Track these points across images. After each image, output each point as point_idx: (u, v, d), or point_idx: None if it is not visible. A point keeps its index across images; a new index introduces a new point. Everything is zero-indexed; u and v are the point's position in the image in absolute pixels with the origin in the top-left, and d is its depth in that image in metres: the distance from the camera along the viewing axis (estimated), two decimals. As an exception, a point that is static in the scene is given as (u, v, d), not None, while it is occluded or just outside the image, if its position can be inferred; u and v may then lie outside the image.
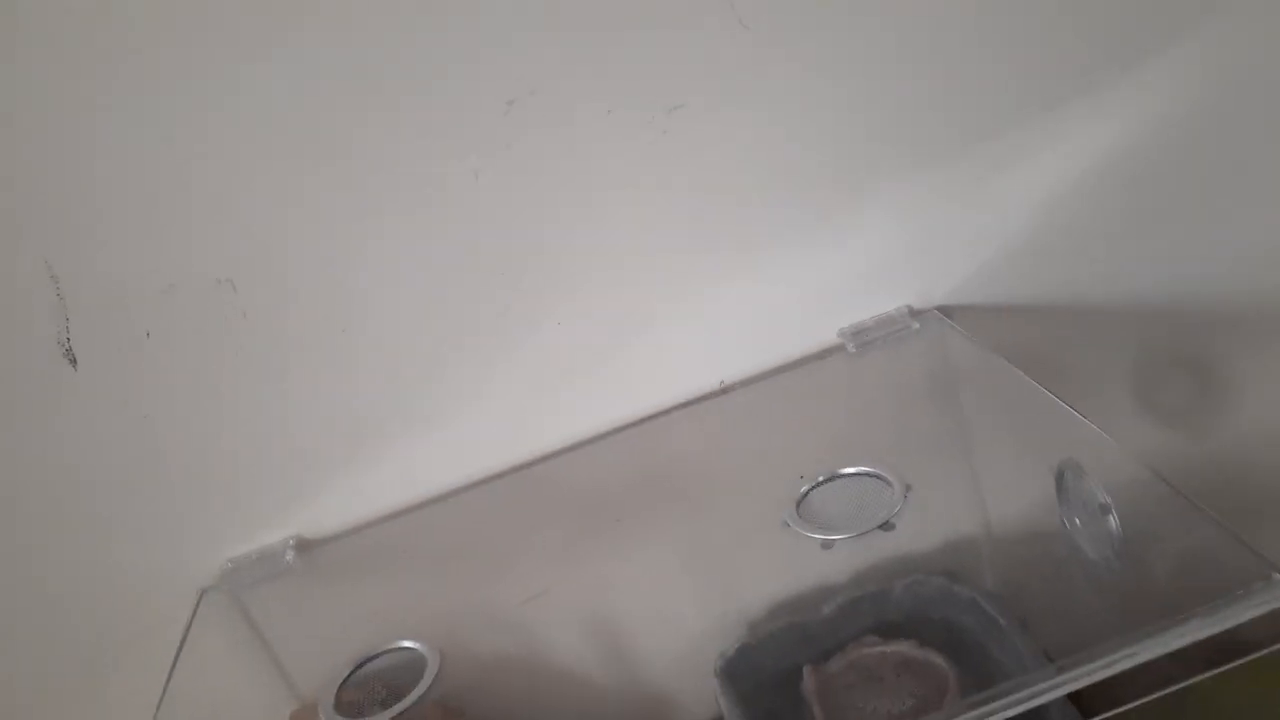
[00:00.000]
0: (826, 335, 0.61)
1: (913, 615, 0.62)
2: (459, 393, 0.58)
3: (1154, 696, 0.41)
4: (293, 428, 0.56)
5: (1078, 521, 0.49)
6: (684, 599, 0.64)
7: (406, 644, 0.54)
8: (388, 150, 0.51)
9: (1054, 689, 0.38)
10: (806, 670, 0.60)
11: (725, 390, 0.61)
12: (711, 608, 0.63)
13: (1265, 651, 0.40)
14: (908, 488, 0.52)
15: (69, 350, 0.52)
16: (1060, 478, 0.49)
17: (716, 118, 0.54)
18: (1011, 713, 0.39)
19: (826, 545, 0.51)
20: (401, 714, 0.51)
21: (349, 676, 0.53)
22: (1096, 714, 0.51)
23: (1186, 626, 0.37)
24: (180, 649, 0.53)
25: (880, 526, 0.50)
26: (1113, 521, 0.46)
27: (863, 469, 0.55)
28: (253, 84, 0.49)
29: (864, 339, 0.60)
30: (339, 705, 0.52)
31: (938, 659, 0.58)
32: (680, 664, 0.65)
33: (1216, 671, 0.41)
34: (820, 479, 0.55)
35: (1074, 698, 0.50)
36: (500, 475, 0.60)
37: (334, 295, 0.54)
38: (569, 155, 0.53)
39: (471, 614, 0.60)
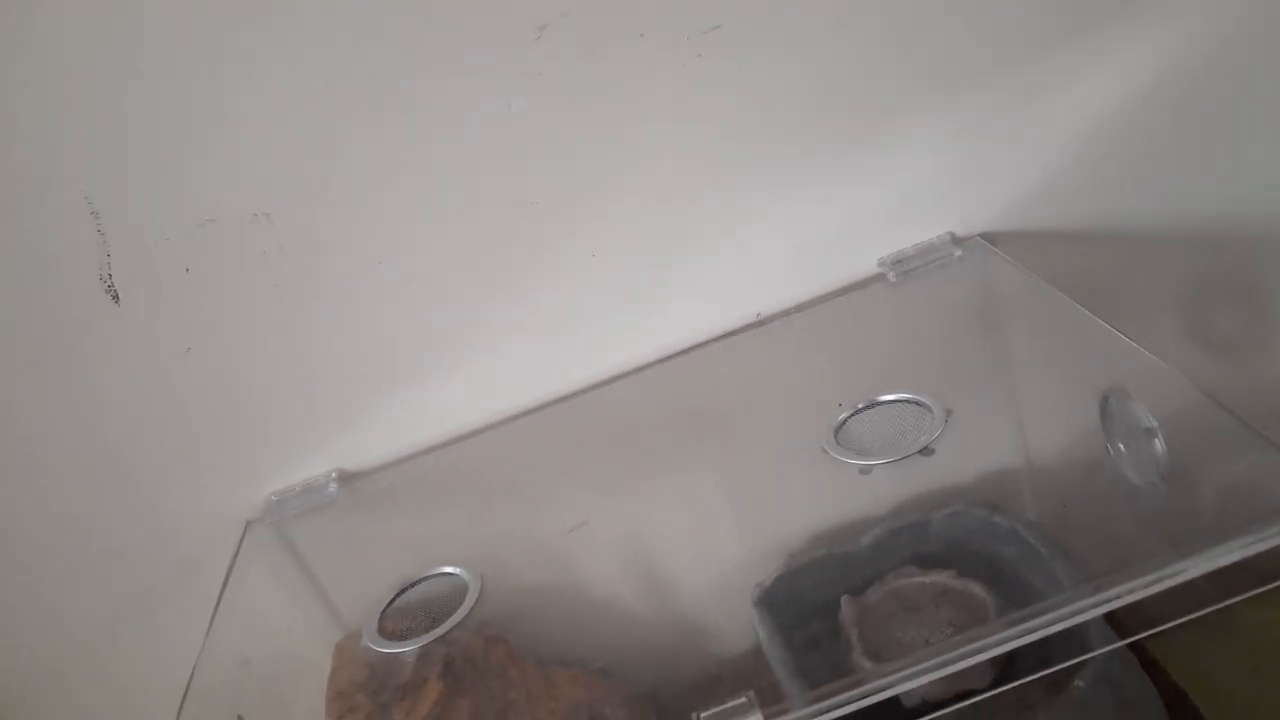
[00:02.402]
0: (867, 264, 0.62)
1: (952, 546, 0.63)
2: (496, 326, 0.60)
3: (1189, 617, 0.42)
4: (332, 361, 0.59)
5: (1122, 447, 0.50)
6: (722, 529, 0.66)
7: (448, 570, 0.57)
8: (418, 82, 0.53)
9: (1091, 609, 0.39)
10: (844, 600, 0.62)
11: (763, 322, 0.62)
12: (749, 538, 0.65)
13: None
14: (949, 413, 0.53)
15: (111, 286, 0.55)
16: (1105, 403, 0.50)
17: (753, 40, 0.54)
18: (1047, 632, 0.40)
19: (865, 471, 0.53)
20: (443, 637, 0.54)
21: (391, 603, 0.56)
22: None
23: (1226, 546, 0.38)
24: (226, 582, 0.56)
25: (920, 451, 0.51)
26: (1159, 445, 0.46)
27: (902, 395, 0.56)
28: (285, 19, 0.50)
29: (905, 268, 0.61)
30: (382, 630, 0.55)
31: (977, 589, 0.60)
32: (718, 594, 0.67)
33: (1253, 593, 0.42)
34: (859, 406, 0.57)
35: (1115, 624, 0.52)
36: (538, 409, 0.63)
37: (369, 229, 0.56)
38: (602, 81, 0.54)
39: (512, 544, 0.63)
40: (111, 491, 0.60)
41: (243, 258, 0.55)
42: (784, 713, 0.36)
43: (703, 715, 0.36)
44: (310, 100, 0.52)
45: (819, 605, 0.63)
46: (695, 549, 0.67)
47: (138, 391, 0.57)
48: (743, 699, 0.36)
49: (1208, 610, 0.41)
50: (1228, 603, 0.41)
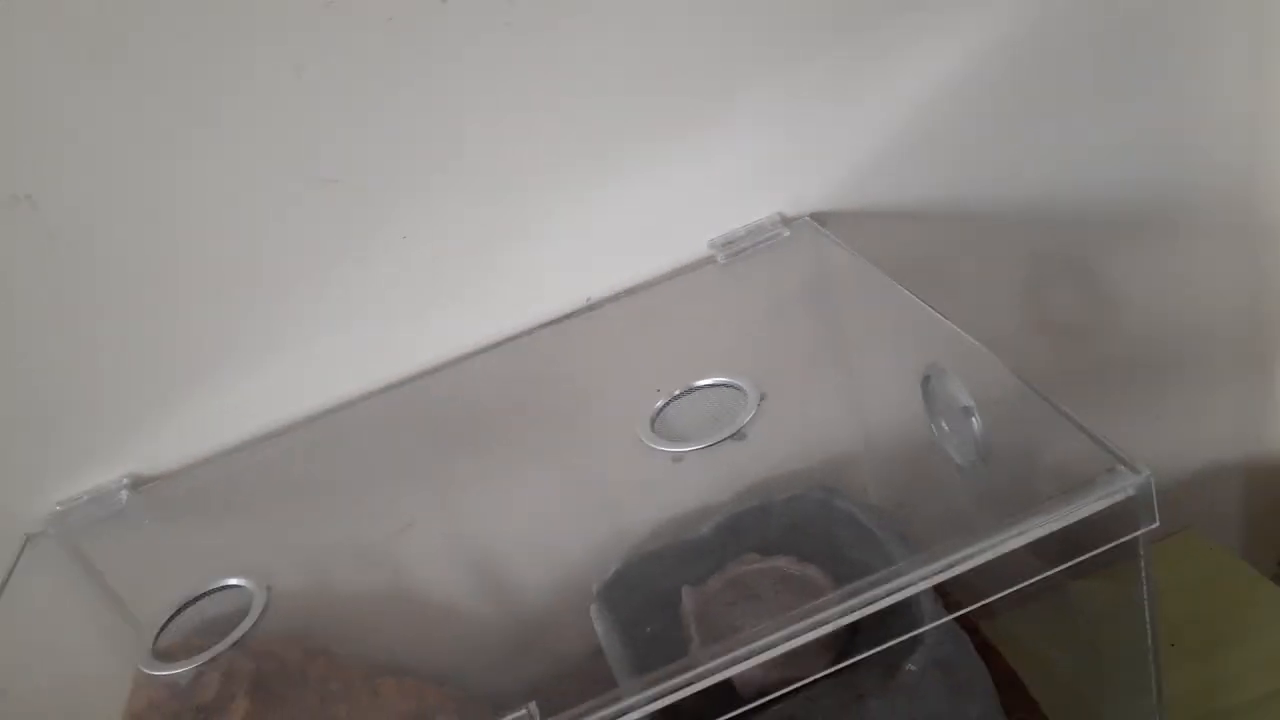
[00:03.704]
0: (697, 247, 0.62)
1: (792, 531, 0.64)
2: (305, 315, 0.57)
3: (1008, 591, 0.43)
4: (120, 357, 0.55)
5: (945, 426, 0.51)
6: (556, 524, 0.65)
7: (232, 582, 0.54)
8: (198, 49, 0.50)
9: (917, 581, 0.40)
10: (684, 590, 0.62)
11: (593, 307, 0.62)
12: (585, 532, 0.65)
13: (1105, 547, 0.42)
14: (762, 396, 0.53)
15: None
16: (926, 383, 0.51)
17: (568, 9, 0.53)
18: (875, 607, 0.40)
19: (676, 459, 0.52)
20: (251, 651, 0.51)
21: (170, 620, 0.53)
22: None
23: (1032, 521, 0.39)
24: (4, 597, 0.52)
25: (730, 437, 0.51)
26: (975, 424, 0.48)
27: (718, 380, 0.56)
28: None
29: (734, 249, 0.61)
30: (160, 651, 0.52)
31: (815, 573, 0.61)
32: (558, 591, 0.66)
33: (1064, 566, 0.43)
34: (676, 393, 0.57)
35: (946, 606, 0.53)
36: (355, 402, 0.60)
37: (152, 211, 0.53)
38: (405, 51, 0.52)
39: (330, 549, 0.60)
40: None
41: (6, 245, 0.51)
42: (582, 715, 0.35)
43: None
44: (74, 71, 0.49)
45: (661, 598, 0.63)
46: (530, 545, 0.65)
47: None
48: (522, 711, 0.35)
49: (1021, 586, 0.42)
50: (1036, 579, 0.42)
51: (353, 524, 0.61)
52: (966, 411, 0.47)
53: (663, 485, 0.60)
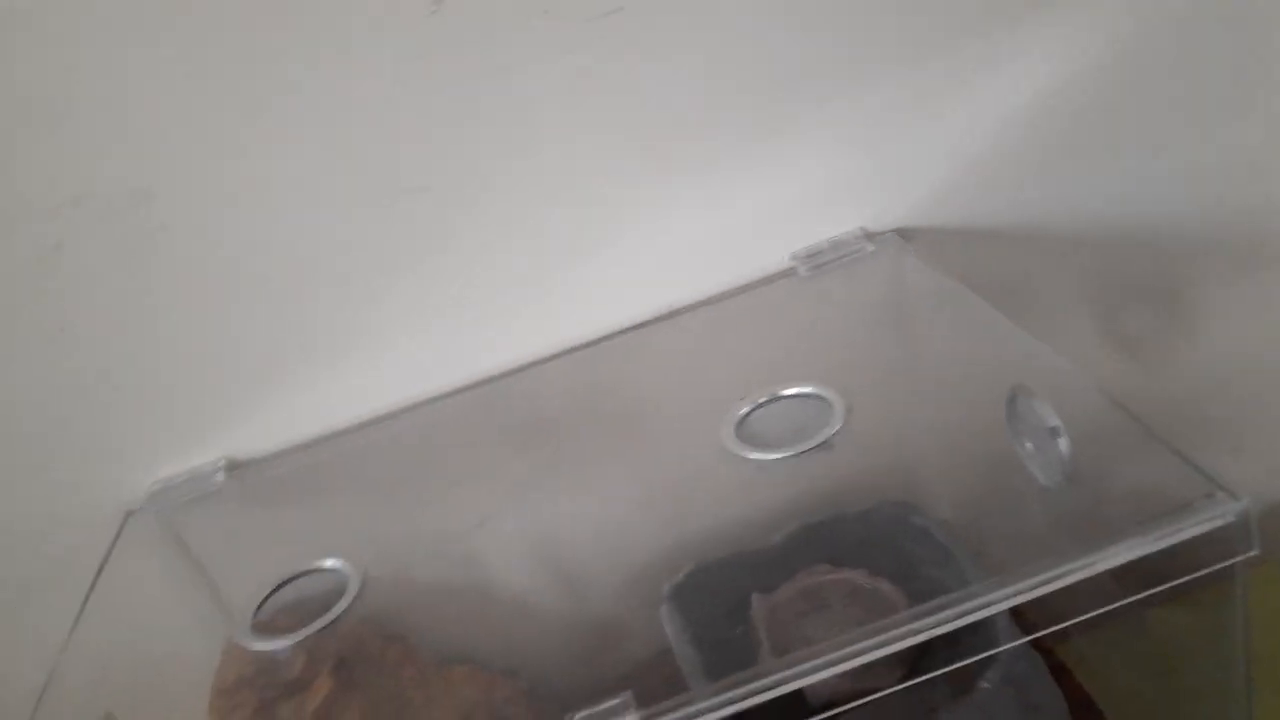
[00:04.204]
0: (779, 259, 0.62)
1: (865, 544, 0.64)
2: (396, 314, 0.59)
3: (1089, 615, 0.43)
4: (222, 346, 0.58)
5: (1029, 446, 0.51)
6: (631, 526, 0.66)
7: (328, 565, 0.56)
8: (301, 61, 0.52)
9: (995, 602, 0.40)
10: (754, 598, 0.62)
11: (674, 314, 0.63)
12: (659, 535, 0.65)
13: (1200, 574, 0.42)
14: (849, 409, 0.54)
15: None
16: (1011, 401, 0.51)
17: (656, 25, 0.54)
18: (951, 626, 0.41)
19: (760, 466, 0.53)
20: (336, 634, 0.53)
21: (266, 599, 0.55)
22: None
23: (1121, 545, 0.39)
24: (99, 573, 0.55)
25: (818, 447, 0.52)
26: (1063, 445, 0.48)
27: (804, 389, 0.56)
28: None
29: (816, 262, 0.62)
30: (259, 627, 0.54)
31: (887, 587, 0.61)
32: (629, 592, 0.67)
33: (1149, 592, 0.43)
34: (761, 401, 0.57)
35: (1023, 626, 0.54)
36: (439, 399, 0.62)
37: (261, 211, 0.55)
38: (498, 62, 0.54)
39: (411, 539, 0.62)
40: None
41: (121, 236, 0.53)
42: (664, 713, 0.36)
43: (577, 716, 0.35)
44: (186, 74, 0.51)
45: (730, 603, 0.64)
46: (604, 546, 0.66)
47: (7, 372, 0.55)
48: (618, 699, 0.36)
49: (1106, 609, 0.42)
50: (1125, 601, 0.41)
51: (432, 517, 0.63)
52: (1054, 432, 0.47)
53: (741, 491, 0.60)
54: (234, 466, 0.60)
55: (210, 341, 0.58)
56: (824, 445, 0.52)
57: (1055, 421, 0.47)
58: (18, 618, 0.61)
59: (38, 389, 0.56)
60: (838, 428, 0.53)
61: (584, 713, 0.35)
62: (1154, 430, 0.43)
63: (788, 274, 0.62)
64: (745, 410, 0.57)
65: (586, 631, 0.68)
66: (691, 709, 0.38)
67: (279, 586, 0.55)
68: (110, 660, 0.52)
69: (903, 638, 0.40)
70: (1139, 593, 0.42)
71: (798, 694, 0.47)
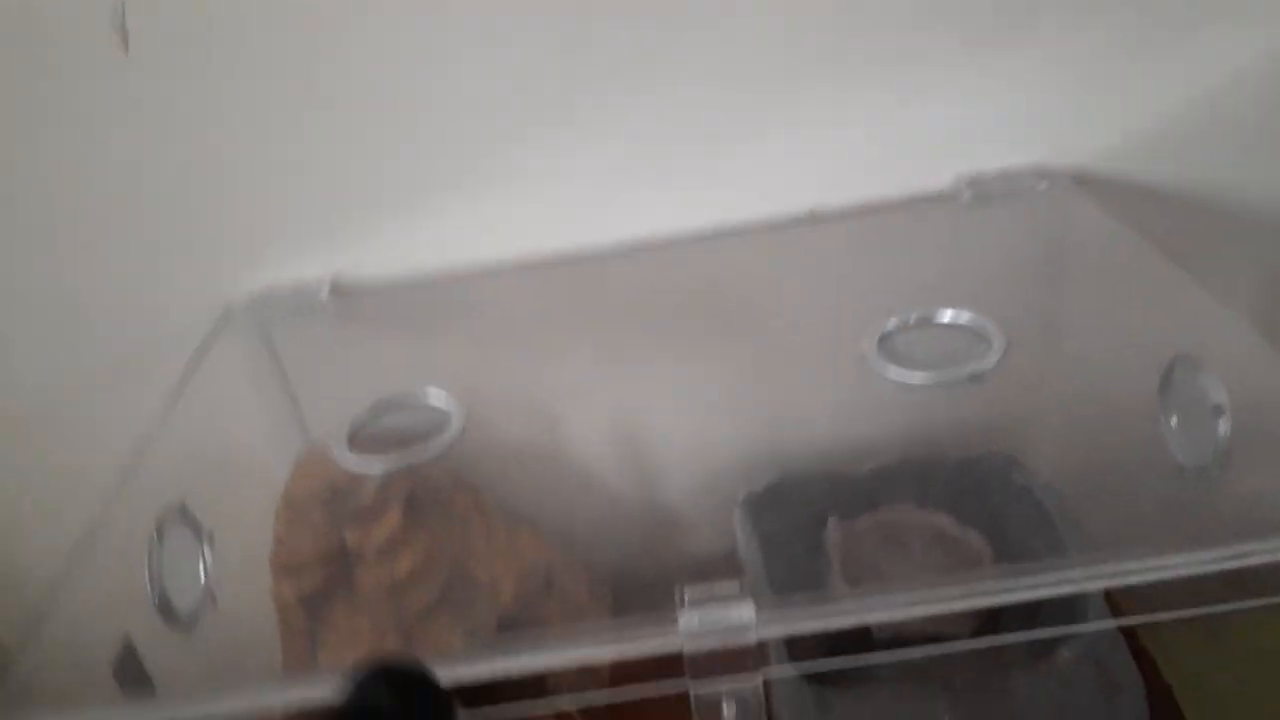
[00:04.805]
0: (941, 180, 0.59)
1: (959, 491, 0.62)
2: (528, 166, 0.58)
3: (1189, 613, 0.41)
4: (346, 161, 0.57)
5: (1174, 422, 0.48)
6: (725, 425, 0.65)
7: (432, 399, 0.56)
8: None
9: (1087, 581, 0.37)
10: (832, 521, 0.61)
11: (817, 219, 0.60)
12: (752, 439, 0.64)
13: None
14: (1008, 344, 0.51)
15: (123, 26, 0.52)
16: (1170, 370, 0.47)
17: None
18: (1038, 594, 0.39)
19: (902, 388, 0.51)
20: (410, 470, 0.54)
21: (366, 420, 0.55)
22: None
23: (1246, 547, 0.36)
24: (195, 366, 0.55)
25: (968, 379, 0.49)
26: (1223, 426, 0.44)
27: (962, 317, 0.53)
28: None
29: (983, 190, 0.58)
30: (352, 445, 0.54)
31: (975, 539, 0.60)
32: (705, 491, 0.67)
33: (1261, 602, 0.40)
34: (912, 319, 0.55)
35: (1112, 603, 0.51)
36: (556, 262, 0.61)
37: (411, 32, 0.53)
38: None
39: (502, 394, 0.62)
40: (90, 254, 0.59)
41: (272, 29, 0.52)
42: (771, 609, 0.35)
43: (688, 591, 0.35)
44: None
45: (805, 523, 0.63)
46: (692, 440, 0.66)
47: (135, 152, 0.55)
48: (734, 583, 0.35)
49: (1210, 610, 0.40)
50: (1232, 607, 0.39)
51: (530, 378, 0.63)
52: (1216, 410, 0.44)
53: (865, 409, 0.58)
54: (341, 288, 0.60)
55: (338, 152, 0.56)
56: (975, 378, 0.49)
57: (1221, 399, 0.44)
58: (107, 397, 0.62)
59: (161, 174, 0.56)
60: (994, 363, 0.50)
61: (696, 588, 0.35)
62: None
63: (950, 198, 0.59)
64: (892, 326, 0.54)
65: (657, 521, 0.68)
66: (752, 617, 0.36)
67: (380, 411, 0.55)
68: (190, 453, 0.53)
69: (982, 595, 0.38)
70: (1250, 599, 0.39)
71: (863, 625, 0.46)
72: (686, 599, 0.35)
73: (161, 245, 0.59)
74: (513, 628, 0.58)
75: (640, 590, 0.67)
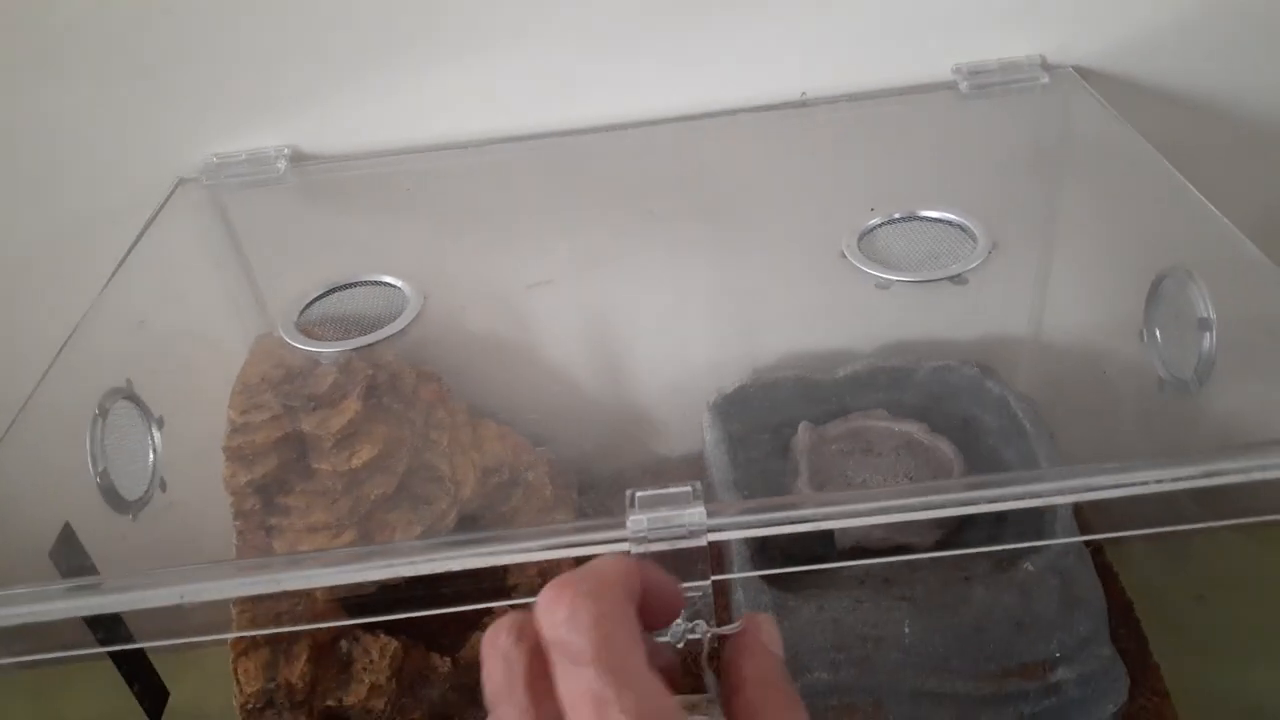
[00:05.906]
0: (938, 68, 0.57)
1: (931, 400, 0.62)
2: (501, 30, 0.55)
3: (1159, 530, 0.41)
4: (308, 25, 0.54)
5: (1158, 334, 0.47)
6: (697, 322, 0.64)
7: (388, 279, 0.54)
8: None
9: (1056, 494, 0.37)
10: (802, 426, 0.61)
11: (805, 103, 0.58)
12: (724, 338, 0.64)
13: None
14: (994, 246, 0.50)
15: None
16: (1158, 283, 0.47)
17: None
18: (1007, 506, 0.39)
19: (882, 285, 0.50)
20: (370, 359, 0.53)
21: (317, 299, 0.54)
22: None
23: (1220, 465, 0.35)
24: (141, 235, 0.54)
25: (951, 279, 0.48)
26: (1208, 340, 0.44)
27: (947, 214, 0.52)
28: None
29: (981, 81, 0.57)
30: (302, 328, 0.53)
31: (946, 447, 0.60)
32: (674, 389, 0.66)
33: (1231, 523, 0.40)
34: (895, 216, 0.53)
35: (1079, 517, 0.52)
36: (530, 138, 0.59)
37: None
38: None
39: (465, 279, 0.61)
40: (30, 120, 0.56)
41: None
42: (724, 512, 0.35)
43: (639, 494, 0.35)
44: None
45: (774, 426, 0.63)
46: (662, 336, 0.65)
47: (80, 8, 0.53)
48: (686, 487, 0.35)
49: (1177, 529, 0.39)
50: (1200, 526, 0.39)
51: (495, 263, 0.61)
52: (1202, 324, 0.43)
53: (842, 309, 0.57)
54: (299, 158, 0.58)
55: (297, 16, 0.54)
56: (957, 279, 0.48)
57: (1208, 313, 0.43)
58: (51, 272, 0.60)
59: (101, 31, 0.53)
60: (977, 263, 0.49)
61: (647, 493, 0.34)
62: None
63: (946, 87, 0.57)
64: (876, 222, 0.53)
65: (624, 420, 0.68)
66: (733, 519, 0.36)
67: (332, 290, 0.54)
68: (137, 327, 0.52)
69: (951, 505, 0.38)
70: (1220, 519, 0.39)
71: (826, 532, 0.46)
72: (637, 501, 0.35)
73: (108, 107, 0.56)
74: (473, 524, 0.58)
75: (609, 486, 0.67)
